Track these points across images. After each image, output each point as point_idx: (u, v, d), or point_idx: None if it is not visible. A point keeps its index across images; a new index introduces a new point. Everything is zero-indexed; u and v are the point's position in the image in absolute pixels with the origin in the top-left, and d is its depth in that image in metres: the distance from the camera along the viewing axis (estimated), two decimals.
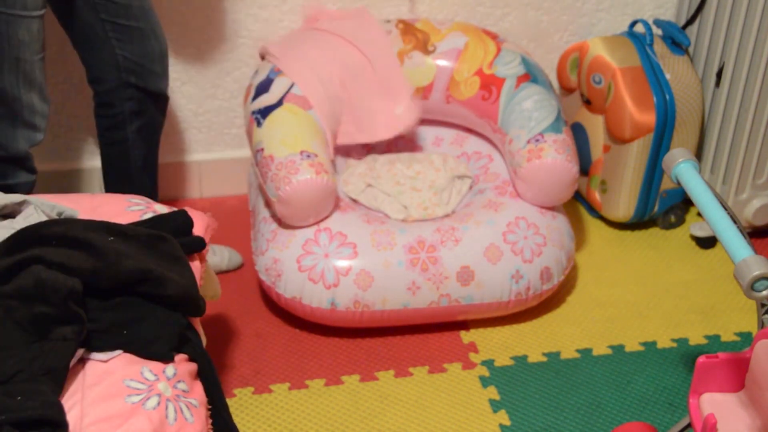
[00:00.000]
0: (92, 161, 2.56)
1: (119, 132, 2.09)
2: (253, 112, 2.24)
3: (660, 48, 2.46)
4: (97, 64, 2.02)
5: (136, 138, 2.10)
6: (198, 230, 1.76)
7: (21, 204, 1.62)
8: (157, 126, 2.15)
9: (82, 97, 2.47)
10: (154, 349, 1.47)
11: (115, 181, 2.15)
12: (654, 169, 2.45)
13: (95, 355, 1.45)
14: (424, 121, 2.48)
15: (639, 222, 2.57)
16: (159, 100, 2.10)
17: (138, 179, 2.14)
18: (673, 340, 2.22)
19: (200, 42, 2.47)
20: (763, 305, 1.55)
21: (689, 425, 1.76)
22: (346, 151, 2.41)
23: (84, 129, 2.52)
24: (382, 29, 2.40)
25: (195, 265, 1.72)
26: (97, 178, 2.56)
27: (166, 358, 1.47)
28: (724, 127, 2.44)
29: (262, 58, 2.38)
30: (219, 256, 2.34)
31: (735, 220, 1.51)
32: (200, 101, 2.55)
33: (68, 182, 2.55)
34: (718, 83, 2.44)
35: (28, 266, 1.45)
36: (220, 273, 2.33)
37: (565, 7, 2.59)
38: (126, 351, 1.46)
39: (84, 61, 2.05)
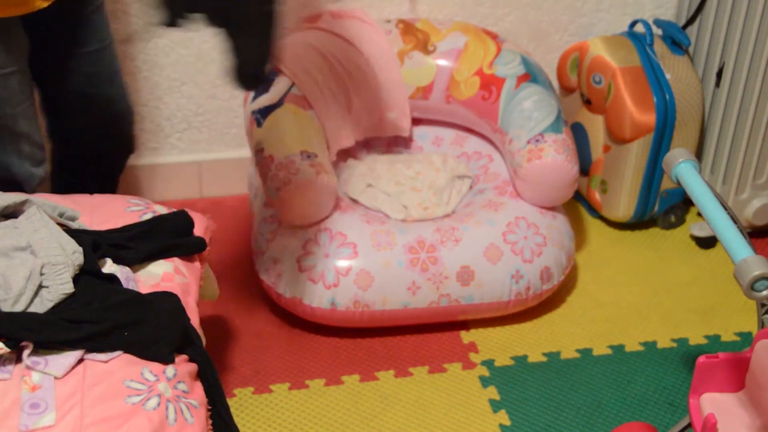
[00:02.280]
0: None
1: (69, 174, 2.08)
2: (253, 112, 2.24)
3: (660, 48, 2.46)
4: (60, 129, 1.99)
5: (91, 181, 2.07)
6: (198, 231, 1.76)
7: (23, 204, 1.62)
8: (118, 172, 2.12)
9: None
10: (155, 350, 1.47)
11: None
12: (654, 169, 2.45)
13: (95, 356, 1.45)
14: (424, 121, 2.49)
15: (639, 222, 2.57)
16: (121, 158, 2.07)
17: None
18: (673, 340, 2.22)
19: (200, 42, 2.47)
20: (763, 305, 1.55)
21: (689, 425, 1.76)
22: (346, 152, 2.41)
23: None
24: (382, 30, 2.40)
25: (195, 266, 1.72)
26: None
27: (167, 360, 1.47)
28: (724, 127, 2.44)
29: None
30: None
31: (735, 220, 1.51)
32: (200, 101, 2.55)
33: None
34: (718, 83, 2.44)
35: None
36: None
37: (565, 7, 2.59)
38: (127, 352, 1.46)
39: (48, 123, 2.01)
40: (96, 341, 1.44)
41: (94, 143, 1.98)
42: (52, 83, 1.89)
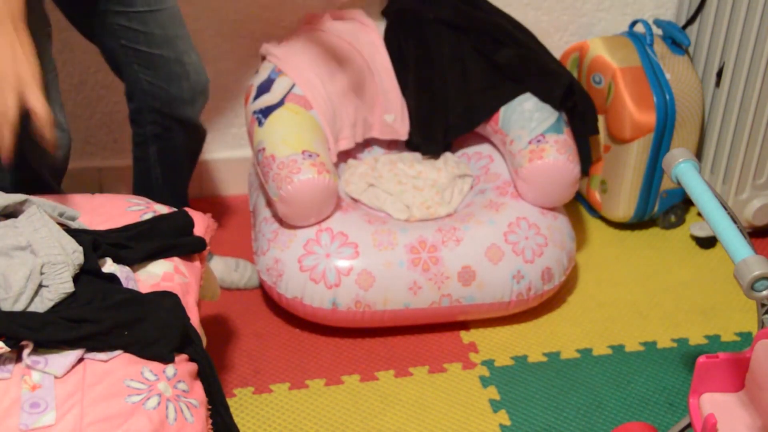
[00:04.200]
0: (92, 161, 2.56)
1: (141, 150, 2.07)
2: (255, 112, 2.24)
3: (660, 48, 2.46)
4: (125, 83, 1.99)
5: (156, 159, 2.07)
6: (198, 231, 1.76)
7: (23, 204, 1.62)
8: (181, 151, 2.10)
9: (82, 97, 2.47)
10: (155, 350, 1.47)
11: (139, 194, 2.12)
12: (654, 169, 2.45)
13: (96, 355, 1.45)
14: None
15: (639, 222, 2.57)
16: (186, 127, 2.05)
17: (158, 197, 2.05)
18: (673, 340, 2.22)
19: (200, 42, 2.46)
20: (763, 305, 1.55)
21: (689, 425, 1.76)
22: (347, 151, 2.41)
23: (84, 129, 2.52)
24: (380, 32, 2.41)
25: (195, 266, 1.72)
26: (97, 178, 2.56)
27: (167, 360, 1.47)
28: (724, 127, 2.44)
29: (263, 58, 2.38)
30: (240, 273, 2.31)
31: (735, 220, 1.51)
32: None
33: (68, 182, 2.54)
34: (718, 83, 2.44)
35: None
36: (236, 290, 2.32)
37: (565, 7, 2.59)
38: (126, 351, 1.46)
39: (117, 77, 2.02)
40: (96, 340, 1.44)
41: (154, 102, 1.98)
42: (104, 39, 1.91)
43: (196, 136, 2.11)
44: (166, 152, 2.07)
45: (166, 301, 1.54)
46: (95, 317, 1.45)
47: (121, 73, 1.98)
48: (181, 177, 2.15)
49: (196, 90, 2.01)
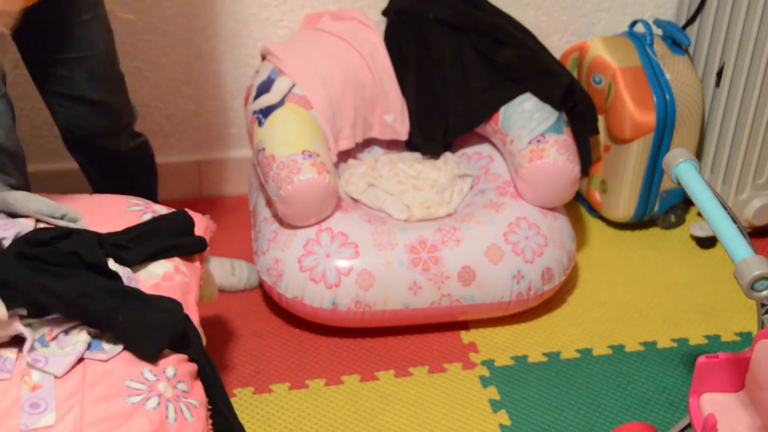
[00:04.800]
0: None
1: (88, 173, 2.13)
2: (255, 112, 2.24)
3: (660, 48, 2.46)
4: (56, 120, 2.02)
5: (103, 180, 2.11)
6: (197, 232, 1.76)
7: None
8: (128, 168, 2.13)
9: None
10: (142, 346, 1.46)
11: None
12: (654, 169, 2.45)
13: (96, 355, 1.45)
14: None
15: (639, 222, 2.57)
16: (117, 154, 2.07)
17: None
18: (673, 340, 2.22)
19: (200, 42, 2.47)
20: (763, 305, 1.55)
21: (689, 425, 1.76)
22: (347, 151, 2.41)
23: None
24: (381, 33, 2.40)
25: (195, 266, 1.72)
26: None
27: (151, 360, 1.46)
28: (724, 127, 2.44)
29: (263, 58, 2.38)
30: (237, 275, 2.31)
31: (735, 220, 1.51)
32: (200, 101, 2.55)
33: (68, 182, 2.54)
34: (718, 83, 2.44)
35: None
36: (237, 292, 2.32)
37: (565, 7, 2.59)
38: (116, 338, 1.47)
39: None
40: (89, 314, 1.45)
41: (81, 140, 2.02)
42: (44, 85, 1.93)
43: (136, 155, 2.12)
44: (111, 174, 2.11)
45: (166, 304, 1.54)
46: (94, 294, 1.46)
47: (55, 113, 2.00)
48: (138, 185, 2.15)
49: (120, 125, 2.03)
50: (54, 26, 1.83)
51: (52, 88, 1.92)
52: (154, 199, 2.16)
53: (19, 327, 1.44)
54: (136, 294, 1.52)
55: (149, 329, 1.47)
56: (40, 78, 1.92)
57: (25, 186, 1.86)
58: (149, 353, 1.46)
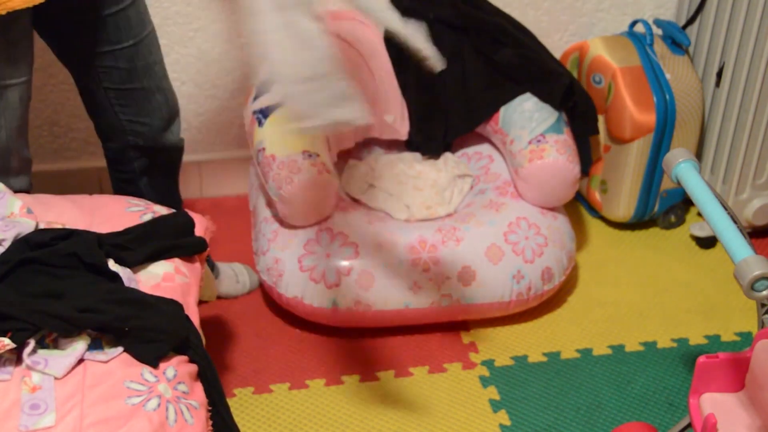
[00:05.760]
0: (92, 161, 2.56)
1: (131, 186, 2.05)
2: (255, 112, 2.24)
3: (660, 48, 2.46)
4: (102, 126, 1.97)
5: (149, 190, 2.05)
6: (198, 232, 1.76)
7: None
8: (171, 175, 2.09)
9: None
10: (146, 350, 1.46)
11: None
12: (654, 169, 2.45)
13: (96, 356, 1.45)
14: None
15: (639, 222, 2.57)
16: (170, 152, 2.04)
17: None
18: (673, 340, 2.22)
19: (200, 42, 2.47)
20: (763, 305, 1.55)
21: (689, 425, 1.76)
22: (347, 152, 2.41)
23: (84, 129, 2.52)
24: (379, 32, 2.40)
25: (195, 266, 1.72)
26: (97, 178, 2.56)
27: (152, 364, 1.46)
28: (724, 127, 2.44)
29: None
30: (242, 281, 2.30)
31: (735, 220, 1.51)
32: (200, 101, 2.55)
33: (68, 182, 2.55)
34: (718, 83, 2.44)
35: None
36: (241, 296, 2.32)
37: (565, 7, 2.59)
38: (122, 346, 1.46)
39: (92, 120, 1.99)
40: (96, 327, 1.45)
41: (137, 140, 1.96)
42: (85, 82, 1.89)
43: (179, 151, 2.09)
44: (157, 180, 2.07)
45: (168, 307, 1.54)
46: (95, 308, 1.46)
47: (97, 116, 1.95)
48: (171, 192, 2.13)
49: (173, 112, 1.99)
50: (87, 18, 1.78)
51: (113, 86, 1.86)
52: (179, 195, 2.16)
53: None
54: (138, 299, 1.52)
55: (152, 339, 1.47)
56: (93, 78, 1.85)
57: (28, 188, 1.85)
58: (150, 360, 1.46)
